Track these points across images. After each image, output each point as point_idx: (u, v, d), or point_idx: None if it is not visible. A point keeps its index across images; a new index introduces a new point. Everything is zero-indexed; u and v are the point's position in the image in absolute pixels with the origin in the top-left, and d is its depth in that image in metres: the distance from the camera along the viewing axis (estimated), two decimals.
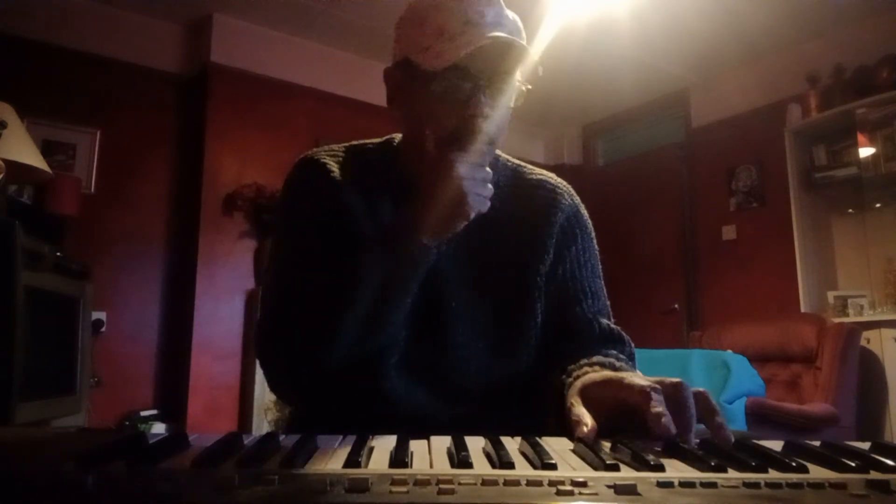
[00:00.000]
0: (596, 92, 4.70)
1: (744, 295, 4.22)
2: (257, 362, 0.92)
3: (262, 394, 3.42)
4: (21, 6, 3.31)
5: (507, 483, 0.40)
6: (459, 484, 0.39)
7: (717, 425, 0.62)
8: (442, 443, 0.55)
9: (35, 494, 0.37)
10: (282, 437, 0.56)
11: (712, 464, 0.46)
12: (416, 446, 0.54)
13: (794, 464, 0.46)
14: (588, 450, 0.51)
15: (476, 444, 0.54)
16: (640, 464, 0.46)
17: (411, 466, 0.47)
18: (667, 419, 0.60)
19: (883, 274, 3.64)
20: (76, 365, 2.47)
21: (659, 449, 0.55)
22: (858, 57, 3.68)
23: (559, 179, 1.04)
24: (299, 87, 4.01)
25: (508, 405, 0.91)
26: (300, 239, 0.89)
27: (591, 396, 0.72)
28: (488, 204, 0.81)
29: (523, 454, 0.51)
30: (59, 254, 2.33)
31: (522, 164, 1.04)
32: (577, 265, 0.97)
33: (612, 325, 0.96)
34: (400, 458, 0.47)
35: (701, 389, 0.66)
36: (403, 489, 0.38)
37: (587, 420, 0.67)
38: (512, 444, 0.54)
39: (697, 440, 0.59)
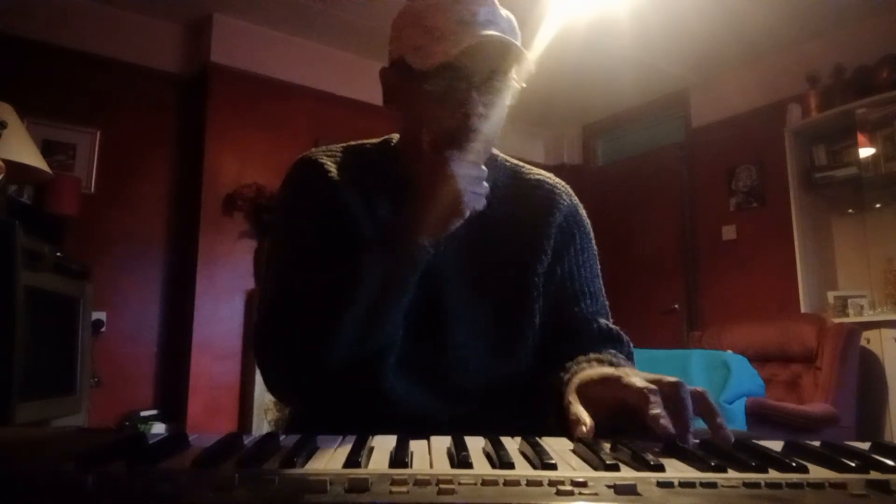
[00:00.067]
0: (596, 92, 4.70)
1: (744, 295, 4.21)
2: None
3: (262, 394, 3.41)
4: (21, 6, 3.31)
5: (507, 483, 0.40)
6: (459, 484, 0.39)
7: (717, 425, 0.62)
8: (442, 443, 0.55)
9: (35, 494, 0.37)
10: (282, 437, 0.56)
11: (712, 464, 0.46)
12: (416, 446, 0.54)
13: (794, 464, 0.46)
14: (588, 450, 0.51)
15: (476, 444, 0.53)
16: (640, 464, 0.46)
17: (411, 466, 0.47)
18: (665, 420, 0.60)
19: (883, 274, 3.64)
20: (76, 365, 2.47)
21: (659, 449, 0.55)
22: (858, 57, 3.68)
23: (558, 179, 1.04)
24: (299, 87, 4.01)
25: (508, 405, 0.91)
26: (299, 239, 0.89)
27: (590, 395, 0.72)
28: (484, 202, 0.81)
29: (523, 454, 0.51)
30: (59, 254, 2.33)
31: (521, 164, 1.04)
32: (575, 265, 0.98)
33: (611, 325, 0.96)
34: (400, 458, 0.47)
35: (700, 389, 0.66)
36: (403, 489, 0.38)
37: (585, 419, 0.67)
38: (512, 444, 0.54)
39: (697, 440, 0.59)
